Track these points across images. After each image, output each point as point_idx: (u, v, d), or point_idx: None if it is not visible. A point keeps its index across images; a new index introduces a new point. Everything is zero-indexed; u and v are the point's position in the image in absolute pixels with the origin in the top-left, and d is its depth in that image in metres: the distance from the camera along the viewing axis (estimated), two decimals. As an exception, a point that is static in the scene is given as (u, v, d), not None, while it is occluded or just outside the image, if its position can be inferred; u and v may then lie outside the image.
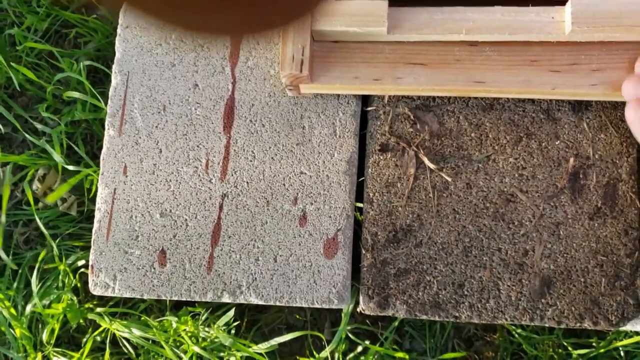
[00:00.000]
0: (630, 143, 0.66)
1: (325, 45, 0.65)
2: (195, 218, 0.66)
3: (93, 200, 0.85)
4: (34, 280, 0.80)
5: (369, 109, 0.69)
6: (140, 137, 0.69)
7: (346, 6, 0.61)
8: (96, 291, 0.67)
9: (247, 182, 0.67)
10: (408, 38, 0.63)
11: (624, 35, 0.59)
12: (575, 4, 0.58)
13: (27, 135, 0.85)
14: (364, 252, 0.66)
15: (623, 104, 0.66)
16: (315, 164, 0.67)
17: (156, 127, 0.69)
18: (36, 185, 0.87)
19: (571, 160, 0.66)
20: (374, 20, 0.61)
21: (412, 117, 0.68)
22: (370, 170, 0.68)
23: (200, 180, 0.67)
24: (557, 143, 0.66)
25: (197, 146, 0.68)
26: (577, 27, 0.58)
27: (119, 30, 0.71)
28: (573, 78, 0.62)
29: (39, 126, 0.87)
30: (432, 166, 0.67)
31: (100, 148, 0.88)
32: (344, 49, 0.65)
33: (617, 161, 0.65)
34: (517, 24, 0.60)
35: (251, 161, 0.67)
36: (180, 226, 0.67)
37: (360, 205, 0.68)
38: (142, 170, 0.68)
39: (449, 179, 0.67)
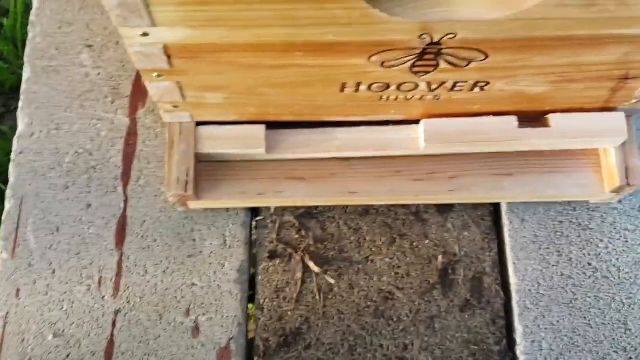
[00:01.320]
0: (490, 239, 0.73)
1: (212, 164, 0.70)
2: (89, 336, 0.68)
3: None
4: None
5: (258, 218, 0.74)
6: (33, 259, 0.70)
7: (228, 131, 0.67)
8: (-13, 419, 0.66)
9: (140, 297, 0.69)
10: (286, 157, 0.69)
11: (470, 148, 0.67)
12: (427, 124, 0.66)
13: None
14: (256, 358, 0.69)
15: (482, 205, 0.74)
16: (207, 275, 0.71)
17: (49, 248, 0.71)
18: None
19: (440, 257, 0.72)
20: (253, 143, 0.66)
21: (297, 224, 0.74)
22: (260, 277, 0.72)
23: (94, 298, 0.69)
24: (426, 242, 0.73)
25: (90, 264, 0.70)
26: (429, 143, 0.65)
27: (12, 156, 0.74)
28: (433, 185, 0.70)
29: None
30: (317, 270, 0.72)
31: None
32: (229, 167, 0.70)
33: (481, 256, 0.73)
34: (379, 142, 0.67)
35: (143, 276, 0.70)
36: (74, 346, 0.68)
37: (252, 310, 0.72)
38: (35, 291, 0.69)
39: (333, 281, 0.72)
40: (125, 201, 0.73)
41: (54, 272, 0.70)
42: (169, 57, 0.53)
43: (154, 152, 0.75)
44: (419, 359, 0.69)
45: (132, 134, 0.75)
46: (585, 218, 0.73)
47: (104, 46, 0.79)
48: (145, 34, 0.50)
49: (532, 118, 0.67)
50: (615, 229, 0.73)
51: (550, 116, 0.65)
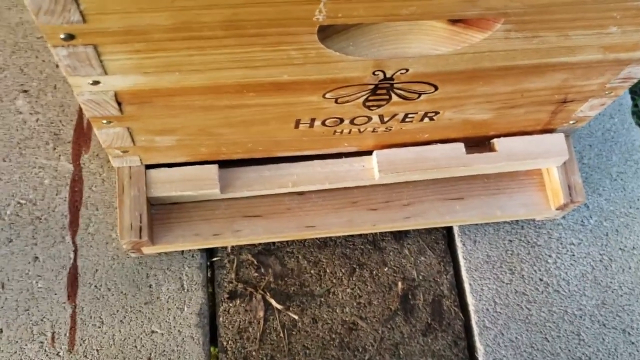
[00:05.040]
0: (446, 262, 0.75)
1: (164, 207, 0.68)
2: (44, 397, 0.65)
3: None
4: None
5: (214, 259, 0.73)
6: (-22, 320, 0.67)
7: (179, 172, 0.66)
8: None
9: (97, 350, 0.67)
10: (241, 195, 0.68)
11: (422, 175, 0.68)
12: (379, 154, 0.67)
13: None
14: (222, 402, 0.68)
15: (436, 229, 0.76)
16: (166, 321, 0.69)
17: (-5, 306, 0.67)
18: None
19: (399, 283, 0.73)
20: (206, 183, 0.66)
21: (255, 262, 0.73)
22: (221, 319, 0.71)
23: (47, 355, 0.66)
24: (385, 269, 0.74)
25: (42, 320, 0.67)
26: (383, 173, 0.66)
27: (-52, 212, 0.70)
28: (389, 214, 0.71)
29: None
30: (279, 306, 0.71)
31: None
32: (183, 209, 0.69)
33: (438, 279, 0.74)
34: (334, 174, 0.68)
35: (99, 327, 0.67)
36: (28, 409, 0.64)
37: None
38: (-18, 354, 0.66)
39: (296, 317, 0.71)
40: (75, 251, 0.70)
41: (1, 331, 0.66)
42: (119, 103, 0.52)
43: (102, 198, 0.72)
44: (386, 387, 0.69)
45: (77, 181, 0.73)
46: (532, 235, 0.76)
47: (40, 90, 0.76)
48: (95, 82, 0.48)
49: (478, 143, 0.69)
50: (561, 244, 0.76)
51: (495, 140, 0.68)
